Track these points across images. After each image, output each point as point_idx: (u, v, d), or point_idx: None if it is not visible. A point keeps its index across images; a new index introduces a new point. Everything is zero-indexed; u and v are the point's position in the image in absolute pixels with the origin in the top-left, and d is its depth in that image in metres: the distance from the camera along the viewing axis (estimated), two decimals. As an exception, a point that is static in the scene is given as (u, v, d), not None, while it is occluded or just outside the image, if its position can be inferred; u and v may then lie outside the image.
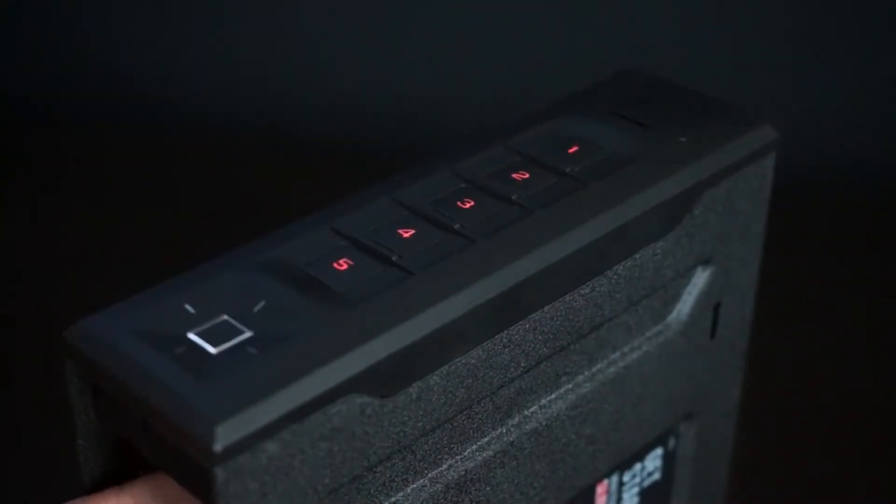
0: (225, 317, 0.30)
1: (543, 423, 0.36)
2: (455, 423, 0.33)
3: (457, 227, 0.34)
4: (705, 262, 0.39)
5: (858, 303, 0.72)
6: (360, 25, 0.96)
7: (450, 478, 0.34)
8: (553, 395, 0.36)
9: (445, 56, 0.93)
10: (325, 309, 0.31)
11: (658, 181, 0.36)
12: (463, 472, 0.34)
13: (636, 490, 0.42)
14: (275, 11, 0.98)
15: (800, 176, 0.81)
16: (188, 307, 0.31)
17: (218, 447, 0.27)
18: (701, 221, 0.38)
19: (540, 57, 0.92)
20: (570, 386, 0.37)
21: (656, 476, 0.42)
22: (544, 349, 0.35)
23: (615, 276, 0.36)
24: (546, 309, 0.34)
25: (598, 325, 0.36)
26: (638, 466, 0.41)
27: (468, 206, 0.35)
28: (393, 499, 0.32)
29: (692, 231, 0.38)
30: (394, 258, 0.32)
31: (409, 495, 0.33)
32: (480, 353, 0.33)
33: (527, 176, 0.36)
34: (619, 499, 0.41)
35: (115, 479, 0.32)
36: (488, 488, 0.35)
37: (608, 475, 0.40)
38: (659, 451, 0.42)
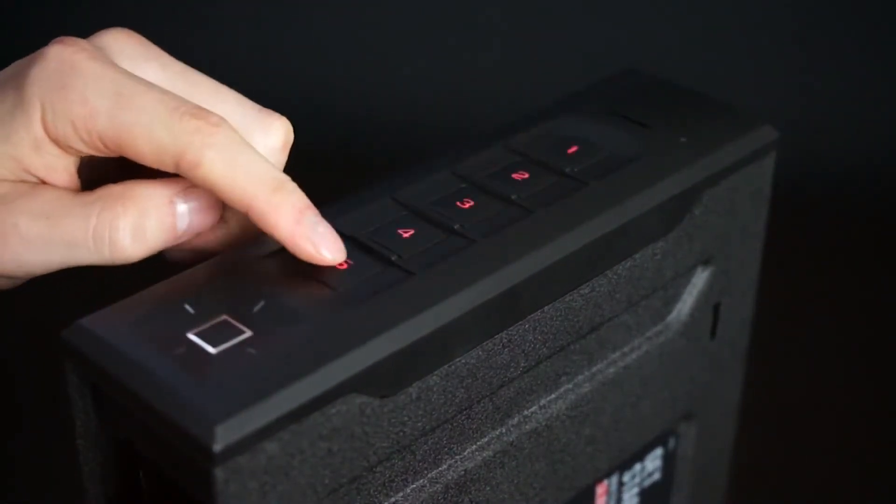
0: (225, 317, 0.30)
1: (543, 424, 0.36)
2: (455, 423, 0.33)
3: (457, 227, 0.34)
4: (705, 263, 0.39)
5: (858, 303, 0.72)
6: (359, 24, 0.96)
7: (450, 478, 0.34)
8: (553, 396, 0.36)
9: (445, 56, 0.93)
10: (325, 309, 0.31)
11: (658, 181, 0.36)
12: (463, 472, 0.34)
13: (636, 490, 0.41)
14: (275, 11, 0.98)
15: (800, 176, 0.81)
16: (188, 307, 0.30)
17: (218, 447, 0.27)
18: (701, 221, 0.38)
19: (540, 57, 0.92)
20: (569, 386, 0.37)
21: (656, 476, 0.42)
22: (544, 349, 0.35)
23: (615, 276, 0.36)
24: (546, 309, 0.34)
25: (598, 325, 0.36)
26: (638, 466, 0.41)
27: (468, 206, 0.35)
28: (393, 499, 0.32)
29: (692, 231, 0.38)
30: (394, 258, 0.32)
31: (409, 495, 0.33)
32: (480, 353, 0.33)
33: (527, 176, 0.36)
34: (619, 499, 0.41)
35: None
36: (488, 488, 0.35)
37: (608, 475, 0.40)
38: (659, 451, 0.42)
